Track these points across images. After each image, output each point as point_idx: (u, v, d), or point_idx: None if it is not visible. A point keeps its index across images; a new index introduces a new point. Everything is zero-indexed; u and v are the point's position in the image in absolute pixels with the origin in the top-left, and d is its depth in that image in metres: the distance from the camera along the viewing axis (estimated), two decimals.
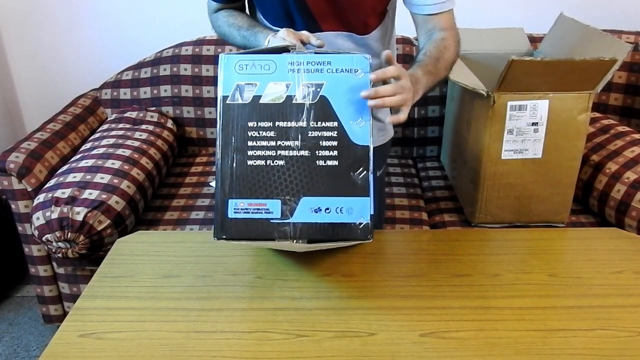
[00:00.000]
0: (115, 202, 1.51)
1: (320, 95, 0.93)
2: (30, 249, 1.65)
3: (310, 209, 0.90)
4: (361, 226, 0.89)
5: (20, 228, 1.63)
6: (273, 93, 0.93)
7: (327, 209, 0.90)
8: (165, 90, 2.03)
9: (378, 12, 1.16)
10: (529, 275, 1.03)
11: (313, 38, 1.02)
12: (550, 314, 0.93)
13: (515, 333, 0.89)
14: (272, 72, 0.94)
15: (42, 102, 2.30)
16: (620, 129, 1.69)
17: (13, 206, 1.60)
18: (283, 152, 0.92)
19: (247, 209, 0.90)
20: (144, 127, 1.91)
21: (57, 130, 1.80)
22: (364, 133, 0.92)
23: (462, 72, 1.54)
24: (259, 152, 0.92)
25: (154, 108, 2.03)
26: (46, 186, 1.55)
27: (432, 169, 1.96)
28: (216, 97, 0.93)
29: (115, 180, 1.56)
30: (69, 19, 2.20)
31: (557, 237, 1.19)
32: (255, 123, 0.93)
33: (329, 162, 0.91)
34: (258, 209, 0.90)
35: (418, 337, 0.88)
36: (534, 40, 1.88)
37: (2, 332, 1.86)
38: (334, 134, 0.92)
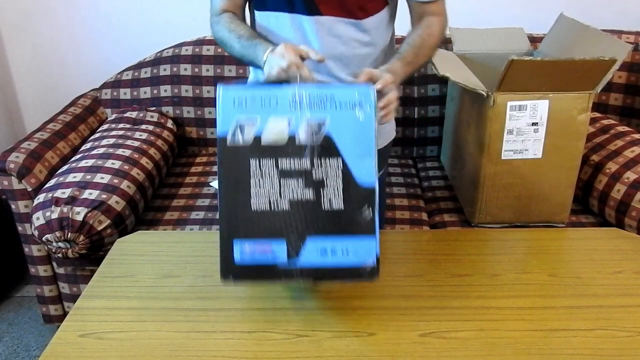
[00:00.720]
0: (115, 202, 1.51)
1: (324, 135, 0.90)
2: (30, 249, 1.65)
3: (316, 250, 0.88)
4: (368, 269, 0.89)
5: (20, 228, 1.63)
6: (275, 132, 0.90)
7: (333, 250, 0.89)
8: (165, 90, 2.03)
9: None
10: (529, 275, 1.03)
11: (312, 52, 1.01)
12: (550, 314, 0.93)
13: (515, 333, 0.89)
14: (273, 107, 0.91)
15: (42, 102, 2.30)
16: (620, 129, 1.69)
17: (13, 206, 1.60)
18: (287, 194, 0.89)
19: (253, 252, 0.89)
20: (144, 127, 1.91)
21: (57, 130, 1.80)
22: (369, 170, 0.90)
23: (462, 72, 1.54)
24: (262, 194, 0.89)
25: (154, 108, 2.03)
26: (46, 186, 1.55)
27: (432, 169, 1.96)
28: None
29: (115, 180, 1.56)
30: (70, 19, 2.20)
31: (557, 237, 1.19)
32: (257, 165, 0.90)
33: (334, 203, 0.89)
34: (264, 252, 0.89)
35: (418, 337, 0.88)
36: (534, 40, 1.88)
37: (2, 332, 1.86)
38: (339, 173, 0.90)
